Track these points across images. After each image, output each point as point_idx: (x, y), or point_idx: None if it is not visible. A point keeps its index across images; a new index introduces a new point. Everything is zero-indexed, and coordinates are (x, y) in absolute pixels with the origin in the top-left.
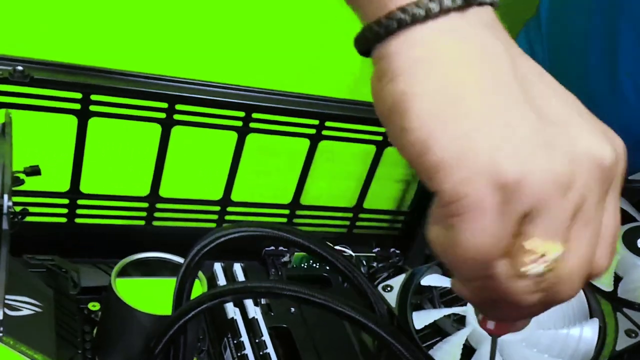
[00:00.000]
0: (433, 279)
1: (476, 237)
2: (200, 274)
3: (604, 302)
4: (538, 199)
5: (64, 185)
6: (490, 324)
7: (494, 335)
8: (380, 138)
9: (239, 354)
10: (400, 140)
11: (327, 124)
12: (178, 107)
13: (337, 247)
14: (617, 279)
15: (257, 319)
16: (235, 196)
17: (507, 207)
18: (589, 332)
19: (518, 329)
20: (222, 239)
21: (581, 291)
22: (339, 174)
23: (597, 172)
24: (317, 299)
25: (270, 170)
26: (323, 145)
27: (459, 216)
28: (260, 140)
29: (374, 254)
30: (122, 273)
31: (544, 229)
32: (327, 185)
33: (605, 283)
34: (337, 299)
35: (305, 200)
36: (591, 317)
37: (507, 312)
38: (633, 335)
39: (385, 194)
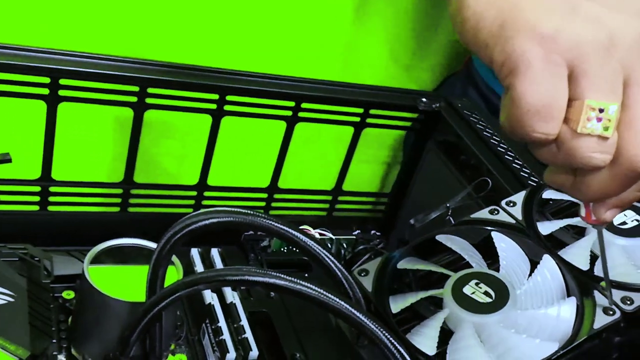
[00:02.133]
0: (409, 262)
1: (529, 85)
2: (175, 260)
3: (581, 281)
4: (577, 52)
5: (36, 173)
6: (594, 216)
7: (599, 227)
8: (357, 119)
9: (217, 340)
10: (462, 31)
11: (304, 105)
12: (150, 90)
13: (317, 231)
14: (594, 258)
15: (235, 304)
16: (212, 180)
17: (550, 57)
18: (567, 311)
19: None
20: (193, 227)
21: (557, 270)
22: (318, 157)
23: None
24: (295, 288)
25: (247, 154)
26: (302, 127)
27: (512, 72)
28: (236, 123)
29: (354, 237)
30: (96, 261)
31: (591, 86)
32: (307, 168)
33: (581, 262)
34: (319, 288)
35: (284, 183)
36: (568, 296)
37: (588, 187)
38: (610, 312)
39: (367, 177)
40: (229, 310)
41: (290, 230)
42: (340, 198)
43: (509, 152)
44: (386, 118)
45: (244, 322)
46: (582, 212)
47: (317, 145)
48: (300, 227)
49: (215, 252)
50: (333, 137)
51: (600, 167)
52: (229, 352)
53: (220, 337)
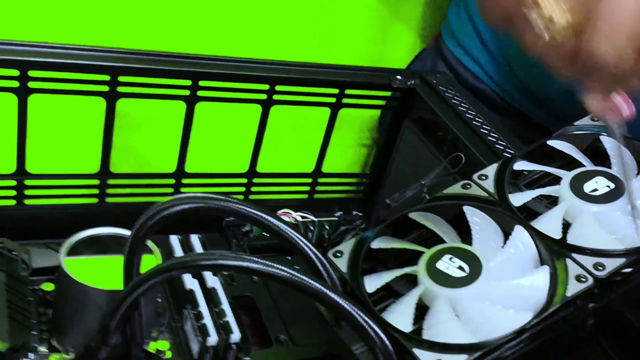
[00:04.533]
0: (383, 242)
1: None
2: (155, 248)
3: (554, 249)
4: None
5: (10, 167)
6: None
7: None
8: (333, 100)
9: (198, 324)
10: None
11: (278, 88)
12: (121, 78)
13: (298, 214)
14: (566, 226)
15: (215, 289)
16: (189, 168)
17: None
18: (540, 280)
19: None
20: (165, 213)
21: (530, 241)
22: (297, 140)
23: None
24: (268, 271)
25: (224, 139)
26: (279, 111)
27: None
28: (212, 108)
29: (336, 219)
30: (74, 252)
31: None
32: (286, 151)
33: (553, 231)
34: (293, 270)
35: (263, 168)
36: (542, 265)
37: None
38: (583, 279)
39: (347, 160)
40: (210, 295)
41: (261, 214)
42: (321, 180)
43: (484, 126)
44: (362, 97)
45: (225, 306)
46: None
47: (296, 128)
48: (282, 211)
49: (195, 239)
50: (311, 120)
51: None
52: (210, 335)
53: (202, 322)
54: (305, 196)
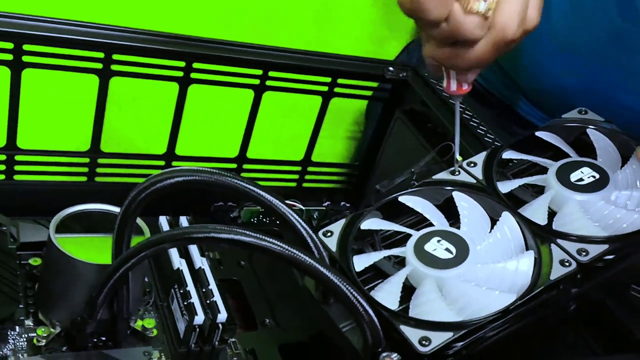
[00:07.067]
0: (373, 223)
1: None
2: (145, 228)
3: (539, 235)
4: None
5: (1, 141)
6: (453, 85)
7: (457, 97)
8: (325, 88)
9: (185, 303)
10: None
11: (271, 74)
12: (115, 56)
13: (287, 202)
14: (552, 215)
15: (203, 269)
16: (179, 150)
17: None
18: (525, 264)
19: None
20: (158, 185)
21: (517, 226)
22: (288, 128)
23: None
24: (261, 244)
25: (215, 123)
26: (272, 98)
27: None
28: (204, 91)
29: (324, 208)
30: (63, 228)
31: None
32: (277, 139)
33: (539, 218)
34: (285, 244)
35: (254, 154)
36: (527, 250)
37: (466, 56)
38: (567, 264)
39: (337, 150)
40: (197, 275)
41: (255, 189)
42: (310, 169)
43: (474, 119)
44: (354, 87)
45: (213, 286)
46: (444, 83)
47: (287, 116)
48: None
49: (184, 220)
50: (302, 108)
51: (477, 40)
52: (197, 314)
53: (189, 301)
54: (294, 184)
